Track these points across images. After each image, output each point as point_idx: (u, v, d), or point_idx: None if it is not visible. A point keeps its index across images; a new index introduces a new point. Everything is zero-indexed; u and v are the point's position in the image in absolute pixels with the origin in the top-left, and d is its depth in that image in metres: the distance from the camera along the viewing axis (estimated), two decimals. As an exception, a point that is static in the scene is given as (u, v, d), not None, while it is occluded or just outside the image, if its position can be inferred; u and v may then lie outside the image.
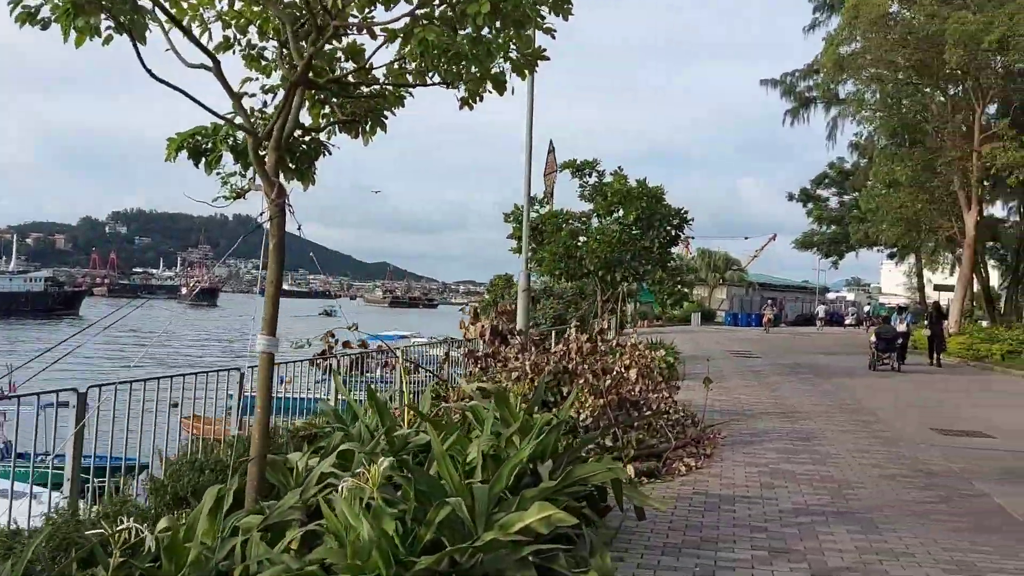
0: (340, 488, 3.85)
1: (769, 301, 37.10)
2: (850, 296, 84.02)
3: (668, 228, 18.69)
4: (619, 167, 19.75)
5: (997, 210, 39.49)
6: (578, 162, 19.04)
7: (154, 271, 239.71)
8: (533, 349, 9.75)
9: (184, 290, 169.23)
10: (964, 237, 30.24)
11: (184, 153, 5.03)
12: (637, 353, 11.80)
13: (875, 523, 6.69)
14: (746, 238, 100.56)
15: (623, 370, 11.64)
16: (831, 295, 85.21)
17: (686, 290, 19.35)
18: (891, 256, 45.15)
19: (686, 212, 19.19)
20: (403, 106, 7.07)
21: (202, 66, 4.69)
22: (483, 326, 9.27)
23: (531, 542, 3.86)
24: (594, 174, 19.22)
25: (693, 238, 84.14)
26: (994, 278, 41.65)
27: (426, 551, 3.72)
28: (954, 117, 29.94)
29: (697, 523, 6.58)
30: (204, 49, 4.69)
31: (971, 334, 27.97)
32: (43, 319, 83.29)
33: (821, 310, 44.52)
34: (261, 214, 4.75)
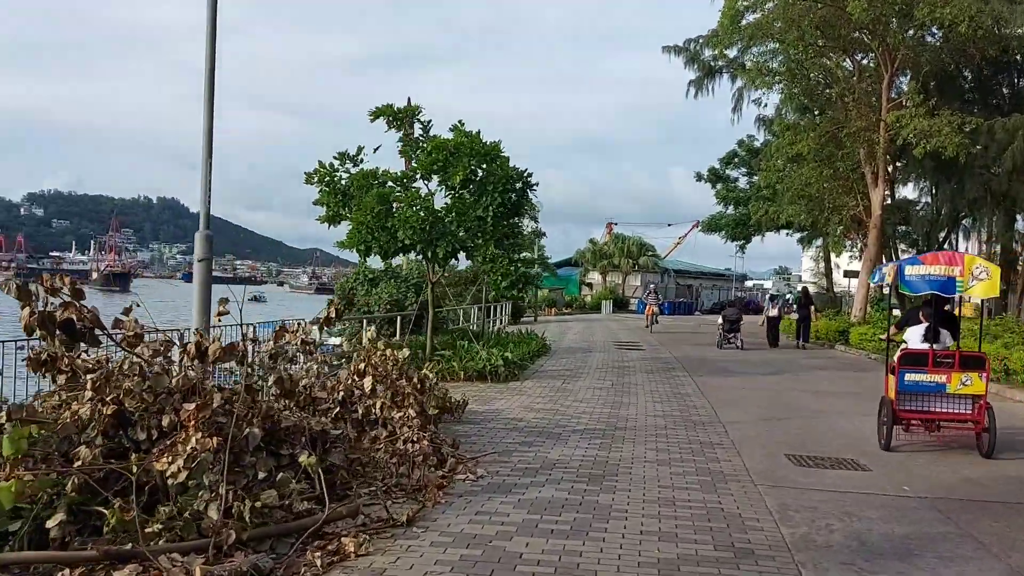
0: None
1: (651, 286, 33.25)
2: (768, 284, 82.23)
3: (506, 194, 15.15)
4: (459, 121, 16.10)
5: (910, 191, 37.20)
6: (395, 108, 15.34)
7: (66, 255, 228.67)
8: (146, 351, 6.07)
9: (95, 275, 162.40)
10: (870, 217, 27.57)
11: None
12: (378, 355, 8.30)
13: None
14: (669, 225, 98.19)
15: (356, 379, 8.15)
16: (749, 283, 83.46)
17: (528, 271, 15.84)
18: (800, 241, 42.73)
19: (530, 175, 15.67)
20: None
21: None
22: (31, 313, 5.61)
23: None
24: (417, 125, 15.58)
25: (616, 224, 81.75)
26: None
27: None
28: (860, 83, 27.18)
29: None
30: None
31: (875, 324, 25.29)
32: None
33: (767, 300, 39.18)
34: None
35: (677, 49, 36.61)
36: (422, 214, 14.41)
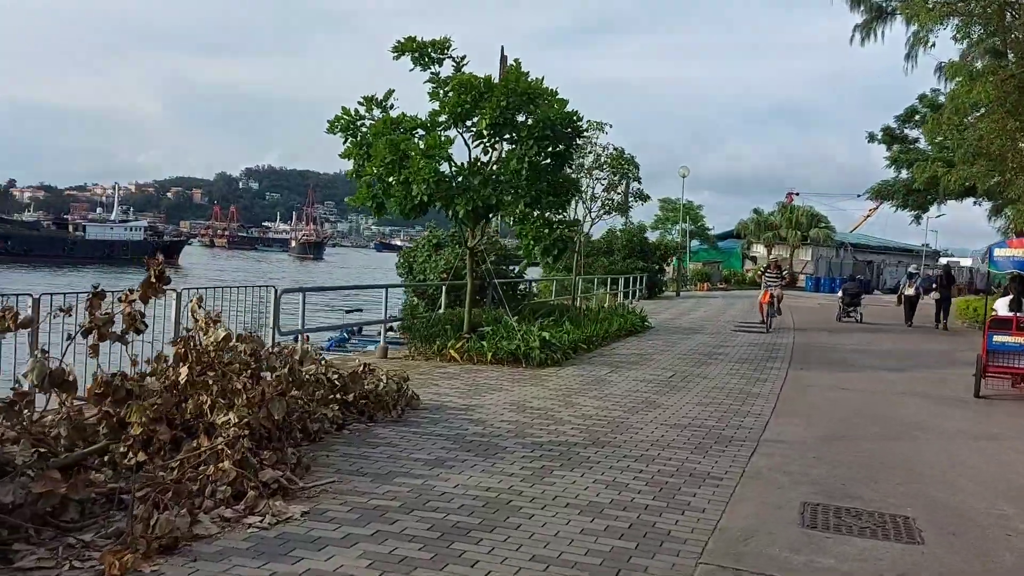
0: None
1: (773, 258, 28.61)
2: (965, 262, 73.16)
3: (543, 142, 12.53)
4: (516, 59, 13.73)
5: None
6: (420, 42, 13.03)
7: (272, 225, 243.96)
8: None
9: (293, 243, 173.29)
10: (1067, 179, 22.36)
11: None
12: (210, 337, 6.16)
13: None
14: (858, 196, 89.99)
15: (174, 368, 6.05)
16: (943, 260, 74.82)
17: (567, 232, 12.91)
18: (990, 212, 36.39)
19: (580, 118, 12.93)
20: None
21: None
22: None
23: None
24: (447, 63, 13.21)
25: (798, 193, 75.19)
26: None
27: None
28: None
29: None
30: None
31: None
32: (141, 268, 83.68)
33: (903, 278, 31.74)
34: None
35: (842, -10, 31.92)
36: (438, 166, 12.09)
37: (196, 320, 6.29)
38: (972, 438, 8.58)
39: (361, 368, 8.04)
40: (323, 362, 7.73)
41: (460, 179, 12.34)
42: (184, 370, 5.89)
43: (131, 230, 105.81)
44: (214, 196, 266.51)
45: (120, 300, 6.41)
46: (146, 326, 6.41)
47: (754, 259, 59.94)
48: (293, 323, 11.65)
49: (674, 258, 41.44)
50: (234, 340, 6.19)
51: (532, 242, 12.45)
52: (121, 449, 5.81)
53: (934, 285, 25.99)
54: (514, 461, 6.73)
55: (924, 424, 9.24)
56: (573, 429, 8.09)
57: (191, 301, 6.57)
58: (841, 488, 6.39)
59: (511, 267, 19.65)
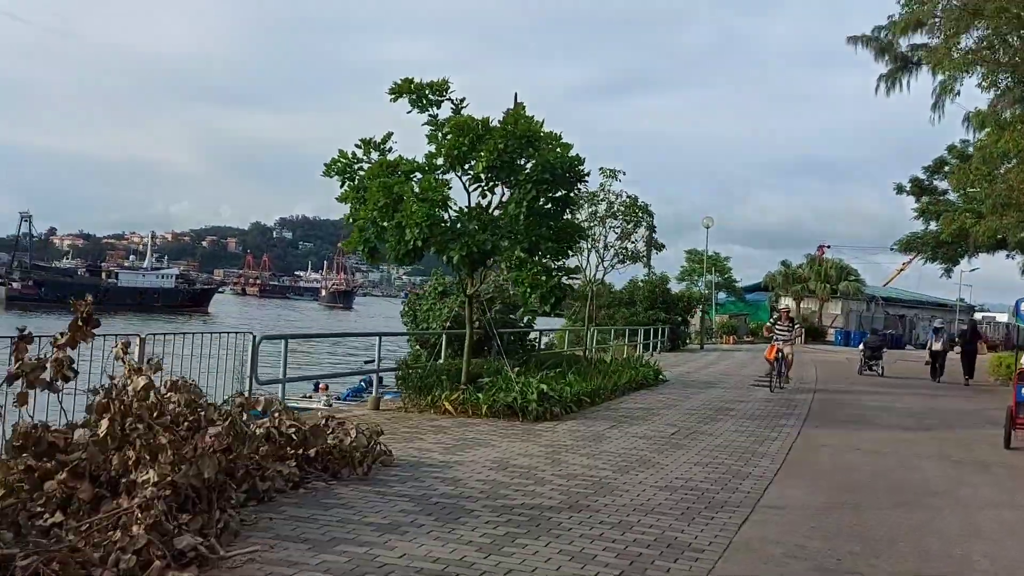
0: None
1: (783, 307, 26.99)
2: (1002, 317, 71.22)
3: (542, 185, 12.09)
4: (520, 102, 13.43)
5: None
6: (418, 84, 12.71)
7: (303, 273, 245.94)
8: None
9: (323, 292, 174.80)
10: (1103, 231, 21.50)
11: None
12: (133, 384, 5.67)
13: None
14: (892, 248, 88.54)
15: (97, 419, 5.57)
16: (978, 315, 72.99)
17: (566, 281, 12.34)
18: (1024, 265, 35.31)
19: (581, 161, 12.49)
20: None
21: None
22: None
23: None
24: (445, 105, 12.88)
25: (830, 246, 74.05)
26: None
27: None
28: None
29: None
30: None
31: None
32: (171, 314, 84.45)
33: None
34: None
35: (865, 39, 31.50)
36: (432, 209, 11.66)
37: (125, 366, 5.81)
38: (992, 506, 7.83)
39: (324, 421, 7.51)
40: (277, 414, 7.20)
41: (458, 224, 11.90)
42: (104, 422, 5.40)
43: (162, 277, 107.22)
44: (248, 245, 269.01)
45: (51, 344, 5.98)
46: (76, 372, 5.95)
47: (782, 312, 58.86)
48: (296, 372, 11.25)
49: (698, 310, 40.63)
50: (162, 389, 5.70)
51: (528, 289, 11.91)
52: (37, 508, 5.34)
53: (956, 339, 25.92)
54: (476, 527, 6.12)
55: (940, 490, 8.47)
56: (552, 490, 7.46)
57: (115, 347, 6.09)
58: (836, 565, 5.69)
59: (523, 317, 19.11)
